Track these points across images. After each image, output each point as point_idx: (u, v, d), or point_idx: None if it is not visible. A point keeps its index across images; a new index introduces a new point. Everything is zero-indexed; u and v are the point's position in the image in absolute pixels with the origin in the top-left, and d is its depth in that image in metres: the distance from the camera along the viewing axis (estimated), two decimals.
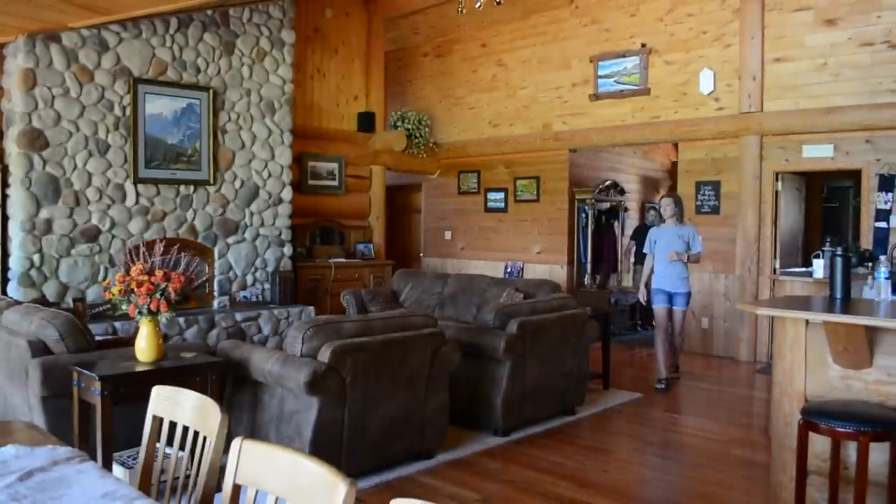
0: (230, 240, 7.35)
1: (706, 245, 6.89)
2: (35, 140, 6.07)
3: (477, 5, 5.59)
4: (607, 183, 10.08)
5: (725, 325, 7.77)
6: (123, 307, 3.56)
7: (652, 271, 6.46)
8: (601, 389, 6.13)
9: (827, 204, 10.12)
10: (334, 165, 8.96)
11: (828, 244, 5.89)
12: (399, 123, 9.97)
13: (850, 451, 3.08)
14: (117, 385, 3.34)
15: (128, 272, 3.55)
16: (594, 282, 9.68)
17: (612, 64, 8.67)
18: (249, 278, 7.51)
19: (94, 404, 3.35)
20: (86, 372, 3.38)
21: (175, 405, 2.13)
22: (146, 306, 3.49)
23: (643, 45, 8.39)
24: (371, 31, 9.40)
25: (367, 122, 9.20)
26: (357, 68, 9.29)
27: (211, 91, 7.11)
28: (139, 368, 3.52)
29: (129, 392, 3.37)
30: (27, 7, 5.43)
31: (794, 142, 7.32)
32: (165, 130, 6.83)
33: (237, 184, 7.39)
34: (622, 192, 10.42)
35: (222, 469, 1.84)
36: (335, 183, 8.98)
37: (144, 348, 3.58)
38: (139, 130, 6.65)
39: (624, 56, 8.55)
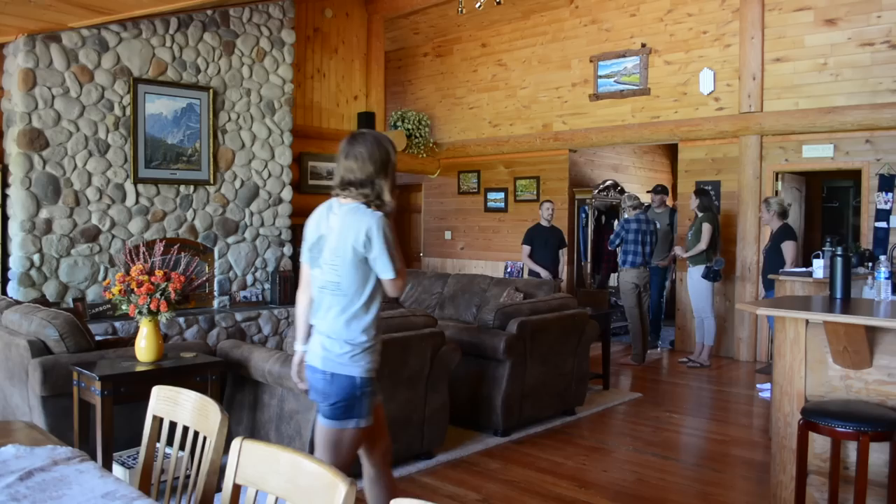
0: (230, 240, 7.35)
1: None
2: (35, 140, 6.07)
3: (477, 5, 5.60)
4: (607, 183, 10.07)
5: (725, 324, 7.76)
6: (123, 307, 3.56)
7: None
8: (601, 389, 6.14)
9: (827, 204, 10.13)
10: (334, 165, 8.93)
11: (828, 244, 5.88)
12: (399, 123, 9.97)
13: (850, 451, 3.08)
14: (117, 385, 3.34)
15: (128, 272, 3.55)
16: (594, 281, 9.68)
17: (612, 64, 8.66)
18: (249, 278, 7.51)
19: (94, 404, 3.35)
20: (86, 372, 3.38)
21: (175, 405, 2.13)
22: (146, 306, 3.49)
23: (643, 45, 8.39)
24: (371, 31, 9.40)
25: (367, 122, 9.18)
26: (357, 68, 9.29)
27: (211, 91, 7.11)
28: (139, 368, 3.52)
29: (129, 392, 3.38)
30: (27, 7, 5.42)
31: (794, 142, 7.32)
32: (165, 130, 6.83)
33: (237, 184, 7.38)
34: (622, 191, 10.41)
35: (222, 469, 1.84)
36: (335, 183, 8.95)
37: (144, 348, 3.58)
38: (139, 130, 6.64)
39: (624, 56, 8.55)
